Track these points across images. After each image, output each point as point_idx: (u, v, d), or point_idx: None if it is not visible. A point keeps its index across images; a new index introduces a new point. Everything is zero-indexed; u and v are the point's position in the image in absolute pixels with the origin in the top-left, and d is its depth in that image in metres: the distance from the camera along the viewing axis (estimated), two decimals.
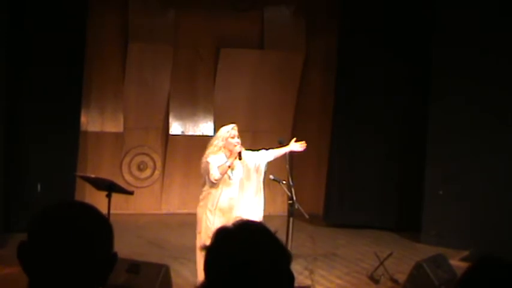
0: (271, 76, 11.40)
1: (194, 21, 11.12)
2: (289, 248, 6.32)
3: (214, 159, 6.47)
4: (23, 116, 9.28)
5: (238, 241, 1.76)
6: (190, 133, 11.28)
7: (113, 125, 11.02)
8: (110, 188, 6.94)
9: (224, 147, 6.54)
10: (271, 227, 1.85)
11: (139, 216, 10.76)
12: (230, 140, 6.52)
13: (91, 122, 10.88)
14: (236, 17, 11.17)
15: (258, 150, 6.90)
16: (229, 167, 6.46)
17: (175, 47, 10.99)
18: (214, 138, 6.71)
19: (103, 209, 1.94)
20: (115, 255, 1.77)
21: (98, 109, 10.92)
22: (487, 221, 9.33)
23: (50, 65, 9.33)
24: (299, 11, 11.49)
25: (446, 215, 9.67)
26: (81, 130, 10.37)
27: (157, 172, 11.30)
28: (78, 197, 9.63)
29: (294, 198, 6.66)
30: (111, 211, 6.48)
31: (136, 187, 10.60)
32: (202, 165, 6.58)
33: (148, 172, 11.27)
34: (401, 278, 7.59)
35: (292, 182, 6.71)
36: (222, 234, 1.79)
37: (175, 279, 7.01)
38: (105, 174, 9.31)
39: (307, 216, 6.93)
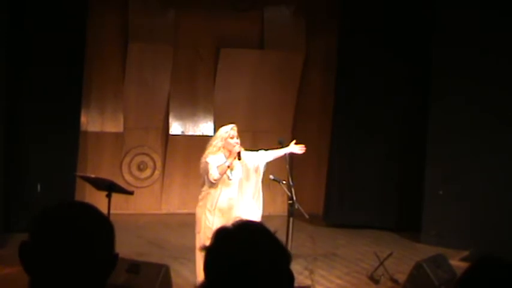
0: (271, 76, 11.40)
1: (194, 21, 11.12)
2: (289, 248, 6.32)
3: (214, 159, 6.48)
4: (23, 116, 9.28)
5: (237, 241, 1.76)
6: (190, 133, 11.28)
7: (113, 125, 11.02)
8: (110, 188, 6.95)
9: (223, 148, 6.54)
10: (271, 227, 1.85)
11: (139, 216, 10.76)
12: (229, 140, 6.53)
13: (91, 122, 10.89)
14: (236, 17, 11.17)
15: (257, 150, 6.90)
16: (228, 167, 6.46)
17: (175, 47, 10.99)
18: (213, 138, 6.71)
19: (103, 209, 1.94)
20: (116, 256, 1.78)
21: (98, 109, 10.92)
22: (487, 221, 9.33)
23: (50, 65, 9.33)
24: (299, 11, 11.49)
25: (446, 215, 9.67)
26: (81, 130, 10.37)
27: (157, 172, 11.30)
28: (78, 197, 9.63)
29: (294, 198, 6.66)
30: (111, 211, 6.48)
31: (136, 187, 10.60)
32: (202, 165, 6.58)
33: (148, 172, 11.27)
34: (401, 278, 7.59)
35: (292, 182, 6.71)
36: (222, 235, 1.79)
37: (175, 279, 7.01)
38: (105, 174, 9.31)
39: (307, 216, 6.93)
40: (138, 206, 10.98)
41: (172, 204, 11.33)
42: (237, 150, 6.48)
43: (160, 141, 11.33)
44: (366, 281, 7.93)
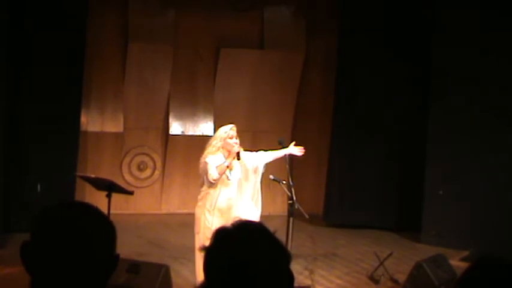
0: (271, 76, 11.40)
1: (194, 21, 11.12)
2: (289, 248, 6.32)
3: (213, 160, 6.48)
4: (23, 116, 9.28)
5: (237, 241, 1.76)
6: (190, 133, 11.28)
7: (113, 125, 11.02)
8: (110, 188, 6.95)
9: (222, 148, 6.54)
10: (271, 227, 1.85)
11: (139, 216, 10.76)
12: (228, 140, 6.52)
13: (91, 122, 10.89)
14: (236, 17, 11.17)
15: (257, 151, 6.90)
16: (227, 167, 6.46)
17: (175, 47, 10.99)
18: (212, 138, 6.71)
19: (103, 209, 1.94)
20: (117, 256, 1.78)
21: (98, 109, 10.92)
22: (487, 221, 9.33)
23: (50, 65, 9.33)
24: (299, 11, 11.49)
25: (446, 215, 9.67)
26: (81, 130, 10.37)
27: (157, 172, 11.30)
28: (78, 197, 9.62)
29: (294, 198, 6.66)
30: (111, 211, 6.47)
31: (136, 187, 10.60)
32: (201, 166, 6.58)
33: (148, 172, 11.27)
34: (401, 278, 7.59)
35: (292, 182, 6.71)
36: (221, 235, 1.79)
37: (175, 279, 7.01)
38: (105, 174, 9.31)
39: (307, 216, 6.93)
40: (138, 206, 10.98)
41: (172, 204, 11.33)
42: (236, 151, 6.48)
43: (160, 141, 11.33)
44: (366, 281, 7.93)
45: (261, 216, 6.68)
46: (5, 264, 7.39)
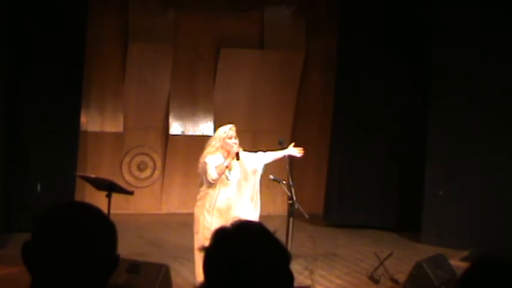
0: (271, 76, 11.40)
1: (194, 21, 11.12)
2: (289, 248, 6.32)
3: (212, 160, 6.47)
4: (23, 116, 9.28)
5: (237, 241, 1.76)
6: (190, 133, 11.28)
7: (112, 125, 11.02)
8: (110, 188, 6.95)
9: (221, 148, 6.54)
10: (271, 227, 1.85)
11: (139, 216, 10.76)
12: (227, 140, 6.52)
13: (91, 122, 10.89)
14: (236, 17, 11.17)
15: (256, 151, 6.90)
16: (226, 167, 6.45)
17: (175, 47, 10.99)
18: (211, 138, 6.71)
19: (103, 209, 1.94)
20: (117, 257, 1.78)
21: (98, 109, 10.92)
22: (487, 221, 9.33)
23: (50, 65, 9.33)
24: (299, 11, 11.49)
25: (446, 215, 9.67)
26: (81, 130, 10.37)
27: (157, 172, 11.30)
28: (78, 197, 9.63)
29: (294, 198, 6.66)
30: (111, 211, 6.47)
31: (136, 187, 10.60)
32: (200, 166, 6.58)
33: (148, 172, 11.28)
34: (401, 278, 7.59)
35: (292, 182, 6.71)
36: (221, 235, 1.79)
37: (175, 279, 7.01)
38: (105, 174, 9.31)
39: (307, 216, 6.93)
40: (138, 206, 10.98)
41: (172, 204, 11.33)
42: (236, 151, 6.47)
43: (160, 141, 11.33)
44: (366, 281, 7.93)
45: (261, 216, 6.68)
46: (5, 264, 7.39)
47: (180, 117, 11.30)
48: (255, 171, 6.73)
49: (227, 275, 1.72)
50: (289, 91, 11.58)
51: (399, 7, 10.37)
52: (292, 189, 6.67)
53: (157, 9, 10.83)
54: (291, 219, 6.73)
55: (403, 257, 8.84)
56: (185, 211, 10.16)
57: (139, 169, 11.21)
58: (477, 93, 9.51)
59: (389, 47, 10.34)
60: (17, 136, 9.18)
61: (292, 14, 11.49)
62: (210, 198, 6.54)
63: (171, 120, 11.26)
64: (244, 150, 6.68)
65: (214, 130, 8.14)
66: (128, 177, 11.10)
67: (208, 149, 6.56)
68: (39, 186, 9.27)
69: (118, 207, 9.18)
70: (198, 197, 6.67)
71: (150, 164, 11.27)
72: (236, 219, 1.86)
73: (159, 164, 11.29)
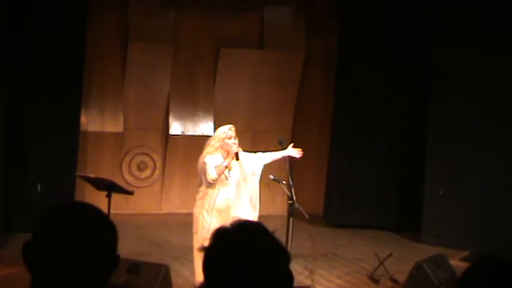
0: (271, 76, 11.40)
1: (194, 21, 11.12)
2: (289, 248, 6.32)
3: (211, 160, 6.47)
4: (23, 116, 9.28)
5: (236, 241, 1.76)
6: (190, 133, 11.28)
7: (112, 125, 11.02)
8: (110, 188, 6.95)
9: (221, 148, 6.54)
10: (271, 226, 1.85)
11: (139, 216, 10.76)
12: (227, 140, 6.52)
13: (91, 122, 10.88)
14: (236, 17, 11.17)
15: (255, 152, 6.90)
16: (226, 167, 6.45)
17: (175, 47, 10.99)
18: (211, 138, 6.71)
19: (103, 209, 1.94)
20: (117, 257, 1.78)
21: (98, 109, 10.92)
22: (487, 221, 9.33)
23: (50, 65, 9.33)
24: (299, 11, 11.49)
25: (446, 215, 9.67)
26: (81, 130, 10.37)
27: (157, 172, 11.30)
28: (78, 197, 9.63)
29: (294, 198, 6.66)
30: (111, 211, 6.47)
31: (136, 187, 10.60)
32: (199, 166, 6.58)
33: (148, 172, 11.28)
34: (401, 278, 7.59)
35: (292, 182, 6.71)
36: (221, 235, 1.79)
37: (175, 279, 7.01)
38: (105, 174, 9.31)
39: (307, 216, 6.93)
40: (138, 206, 10.98)
41: (172, 204, 11.33)
42: (235, 151, 6.47)
43: (160, 141, 11.33)
44: (366, 281, 7.93)
45: (261, 217, 6.67)
46: (5, 264, 7.38)
47: (180, 117, 11.30)
48: (254, 172, 6.73)
49: (227, 275, 1.72)
50: (289, 91, 11.58)
51: (399, 7, 10.37)
52: (292, 189, 6.67)
53: (157, 9, 10.83)
54: (291, 219, 6.73)
55: (403, 257, 8.84)
56: (185, 211, 10.16)
57: (139, 169, 11.21)
58: (477, 93, 9.51)
59: (389, 47, 10.34)
60: (17, 136, 9.18)
61: (292, 14, 11.49)
62: (209, 198, 6.54)
63: (171, 120, 11.26)
64: (244, 150, 6.69)
65: (214, 130, 8.14)
66: (128, 177, 11.10)
67: (208, 149, 6.56)
68: (39, 186, 9.27)
69: (118, 207, 9.18)
70: (197, 197, 6.67)
71: (150, 164, 11.27)
72: (235, 219, 1.86)
73: (159, 164, 11.29)
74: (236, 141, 6.54)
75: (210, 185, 6.51)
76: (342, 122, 10.81)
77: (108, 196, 6.86)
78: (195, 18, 11.11)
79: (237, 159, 6.51)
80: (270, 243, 1.79)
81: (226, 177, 6.54)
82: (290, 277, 1.79)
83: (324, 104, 11.31)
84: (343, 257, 9.00)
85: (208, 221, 6.47)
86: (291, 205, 6.69)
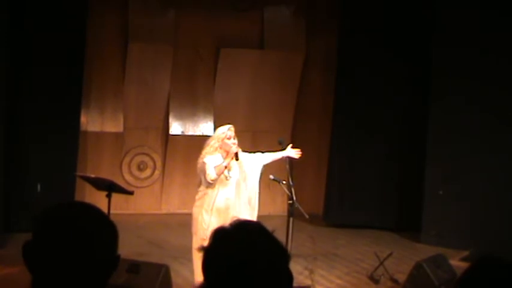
0: (271, 76, 11.40)
1: (194, 21, 11.12)
2: (289, 248, 6.32)
3: (211, 160, 6.47)
4: (23, 116, 9.28)
5: (235, 241, 1.76)
6: (190, 133, 11.28)
7: (112, 125, 11.02)
8: (110, 188, 6.94)
9: (220, 148, 6.53)
10: (271, 226, 1.85)
11: (139, 216, 10.76)
12: (226, 141, 6.51)
13: (91, 122, 10.89)
14: (236, 17, 11.17)
15: (255, 152, 6.90)
16: (225, 167, 6.45)
17: (175, 47, 10.99)
18: (210, 138, 6.71)
19: (103, 209, 1.93)
20: (117, 257, 1.78)
21: (98, 109, 10.92)
22: (487, 221, 9.33)
23: (50, 65, 9.33)
24: (299, 11, 11.49)
25: (446, 215, 9.67)
26: (81, 130, 10.38)
27: (157, 172, 11.30)
28: (78, 197, 9.63)
29: (294, 198, 6.65)
30: (111, 211, 6.47)
31: (136, 187, 10.60)
32: (199, 166, 6.58)
33: (148, 172, 11.28)
34: (401, 278, 7.59)
35: (292, 182, 6.70)
36: (220, 235, 1.79)
37: (175, 279, 7.01)
38: (105, 174, 9.31)
39: (307, 216, 6.92)
40: (138, 206, 10.98)
41: (172, 204, 11.33)
42: (234, 151, 6.47)
43: (160, 141, 11.33)
44: (366, 281, 7.93)
45: (261, 217, 6.66)
46: (5, 264, 7.38)
47: (180, 117, 11.30)
48: (254, 171, 6.73)
49: (226, 275, 1.72)
50: (289, 91, 11.58)
51: (399, 7, 10.37)
52: (292, 189, 6.67)
53: (157, 9, 10.83)
54: (291, 219, 6.72)
55: (403, 257, 8.84)
56: (185, 211, 10.13)
57: (139, 169, 11.21)
58: (477, 93, 9.51)
59: (389, 47, 10.34)
60: (17, 136, 9.18)
61: (292, 14, 11.49)
62: (208, 199, 6.54)
63: (171, 120, 11.26)
64: (244, 150, 6.69)
65: (214, 130, 8.14)
66: (128, 177, 11.10)
67: (207, 149, 6.55)
68: (39, 186, 9.27)
69: (118, 207, 9.18)
70: (197, 197, 6.67)
71: (150, 164, 11.27)
72: (235, 219, 1.86)
73: (159, 164, 11.29)
74: (235, 141, 6.54)
75: (210, 185, 6.51)
76: (342, 122, 10.81)
77: (108, 196, 6.86)
78: (195, 18, 11.11)
79: (237, 159, 6.51)
80: (269, 243, 1.79)
81: (226, 177, 6.54)
82: (289, 277, 1.79)
83: (324, 104, 11.31)
84: (343, 257, 9.00)
85: (207, 222, 6.47)
86: (291, 205, 6.68)
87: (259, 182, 6.81)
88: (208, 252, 1.78)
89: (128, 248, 7.72)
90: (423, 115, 9.99)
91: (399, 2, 10.43)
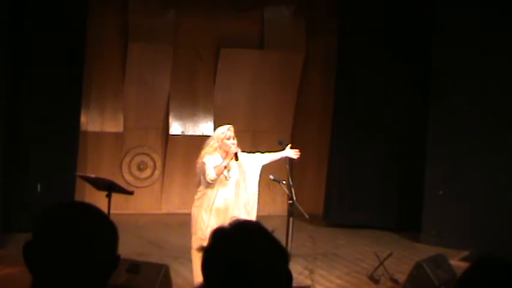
0: (271, 76, 11.40)
1: (194, 21, 11.12)
2: (289, 248, 6.32)
3: (210, 160, 6.47)
4: (23, 116, 9.28)
5: (235, 241, 1.76)
6: (190, 133, 11.28)
7: (112, 125, 11.02)
8: (110, 188, 6.94)
9: (220, 148, 6.53)
10: (271, 226, 1.85)
11: (139, 216, 10.76)
12: (225, 141, 6.51)
13: (91, 122, 10.89)
14: (236, 17, 11.17)
15: (255, 152, 6.90)
16: (225, 167, 6.45)
17: (175, 47, 10.99)
18: (210, 138, 6.71)
19: (103, 209, 1.93)
20: (117, 257, 1.78)
21: (98, 109, 10.92)
22: (487, 221, 9.33)
23: (50, 65, 9.33)
24: (299, 11, 11.49)
25: (446, 215, 9.67)
26: (81, 130, 10.38)
27: (157, 172, 11.30)
28: (78, 197, 9.63)
29: (294, 198, 6.65)
30: (111, 211, 6.47)
31: (136, 187, 10.60)
32: (198, 166, 6.58)
33: (148, 172, 11.28)
34: (401, 278, 7.59)
35: (292, 182, 6.70)
36: (219, 235, 1.79)
37: (175, 279, 7.01)
38: (105, 174, 9.31)
39: (307, 216, 6.92)
40: (138, 206, 10.98)
41: (172, 204, 11.33)
42: (234, 151, 6.47)
43: (160, 141, 11.33)
44: (366, 281, 7.93)
45: (261, 216, 6.66)
46: (5, 264, 7.38)
47: (180, 117, 11.30)
48: (253, 171, 6.73)
49: (226, 275, 1.72)
50: (289, 91, 11.58)
51: (399, 7, 10.37)
52: (292, 189, 6.67)
53: (157, 9, 10.83)
54: (291, 219, 6.72)
55: (403, 257, 8.84)
56: (185, 211, 10.11)
57: (139, 169, 11.21)
58: (477, 93, 9.51)
59: (389, 47, 10.34)
60: (17, 136, 9.18)
61: (292, 14, 11.49)
62: (208, 199, 6.54)
63: (171, 120, 11.26)
64: (243, 150, 6.68)
65: (214, 130, 8.15)
66: (128, 177, 11.10)
67: (207, 149, 6.55)
68: (39, 186, 9.27)
69: (118, 207, 9.18)
70: (196, 197, 6.67)
71: (150, 164, 11.27)
72: (234, 219, 1.86)
73: (159, 164, 11.29)
74: (235, 141, 6.54)
75: (209, 185, 6.50)
76: (342, 122, 10.81)
77: (108, 196, 6.86)
78: (195, 18, 11.11)
79: (236, 159, 6.50)
80: (269, 243, 1.79)
81: (226, 177, 6.54)
82: (289, 277, 1.79)
83: (324, 104, 11.31)
84: (343, 257, 9.00)
85: (206, 222, 6.47)
86: (291, 205, 6.68)
87: (259, 182, 6.81)
88: (208, 252, 1.78)
89: (127, 248, 7.73)
90: (423, 115, 9.99)
91: (399, 2, 10.43)
